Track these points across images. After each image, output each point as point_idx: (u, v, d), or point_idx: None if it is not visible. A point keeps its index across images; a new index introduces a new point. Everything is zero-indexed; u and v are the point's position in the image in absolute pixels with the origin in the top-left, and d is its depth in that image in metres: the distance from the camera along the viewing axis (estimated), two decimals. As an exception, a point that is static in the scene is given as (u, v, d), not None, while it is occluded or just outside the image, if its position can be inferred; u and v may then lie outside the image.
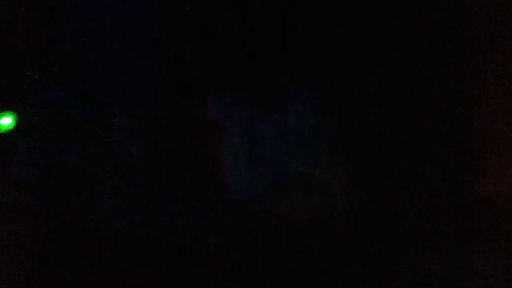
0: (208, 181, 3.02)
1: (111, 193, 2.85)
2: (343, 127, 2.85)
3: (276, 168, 2.82)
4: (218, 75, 2.85)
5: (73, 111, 2.87)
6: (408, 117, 2.91)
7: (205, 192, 3.00)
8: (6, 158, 2.85)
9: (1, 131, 2.82)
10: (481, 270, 2.77)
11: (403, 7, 2.92)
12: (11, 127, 2.82)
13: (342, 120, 2.85)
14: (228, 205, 2.88)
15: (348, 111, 2.87)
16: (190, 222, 2.69)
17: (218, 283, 2.77)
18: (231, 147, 3.02)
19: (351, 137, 2.84)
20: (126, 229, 2.73)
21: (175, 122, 2.98)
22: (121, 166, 2.89)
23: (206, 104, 2.87)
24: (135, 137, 2.90)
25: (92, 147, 2.86)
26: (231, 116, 2.83)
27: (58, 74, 2.91)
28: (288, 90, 2.84)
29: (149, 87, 2.98)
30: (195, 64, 2.91)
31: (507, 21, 2.91)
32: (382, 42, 2.91)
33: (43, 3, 2.96)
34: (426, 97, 2.91)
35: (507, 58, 2.88)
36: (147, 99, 2.98)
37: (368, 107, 2.88)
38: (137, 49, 2.98)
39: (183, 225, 2.70)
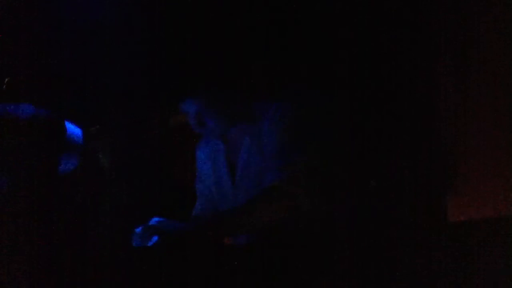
0: (185, 194, 2.92)
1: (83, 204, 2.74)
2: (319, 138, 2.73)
3: (254, 181, 2.69)
4: (192, 81, 2.73)
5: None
6: (388, 132, 2.83)
7: (183, 207, 2.90)
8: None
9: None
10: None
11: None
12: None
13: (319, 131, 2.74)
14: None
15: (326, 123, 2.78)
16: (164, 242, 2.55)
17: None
18: (208, 157, 2.91)
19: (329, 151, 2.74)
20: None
21: (150, 130, 2.88)
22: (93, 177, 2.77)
23: (180, 110, 2.74)
24: (108, 148, 2.78)
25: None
26: (205, 123, 2.69)
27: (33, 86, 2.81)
28: (264, 100, 2.73)
29: (122, 95, 2.89)
30: (168, 70, 2.79)
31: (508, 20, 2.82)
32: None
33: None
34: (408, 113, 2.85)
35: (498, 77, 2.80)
36: (121, 107, 2.88)
37: (349, 122, 2.80)
38: (108, 57, 2.88)
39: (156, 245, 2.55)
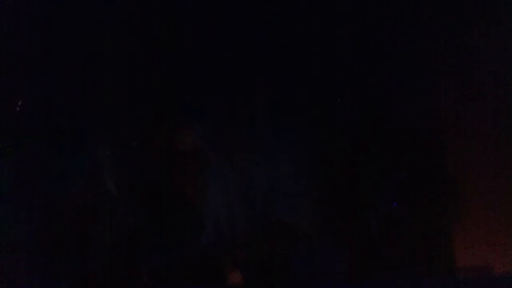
0: (191, 220, 2.91)
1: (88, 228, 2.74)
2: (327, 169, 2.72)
3: (263, 211, 2.69)
4: (204, 101, 2.72)
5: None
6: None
7: (189, 232, 2.89)
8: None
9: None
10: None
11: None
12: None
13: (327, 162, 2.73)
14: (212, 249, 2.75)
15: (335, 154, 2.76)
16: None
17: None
18: (215, 181, 2.89)
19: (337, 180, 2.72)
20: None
21: (159, 151, 2.86)
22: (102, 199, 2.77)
23: (191, 131, 2.72)
24: (116, 169, 2.78)
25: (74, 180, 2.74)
26: (216, 147, 2.68)
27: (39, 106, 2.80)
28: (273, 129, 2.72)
29: (132, 114, 2.86)
30: (181, 89, 2.78)
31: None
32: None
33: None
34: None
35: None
36: (130, 127, 2.86)
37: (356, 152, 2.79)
38: (118, 75, 2.86)
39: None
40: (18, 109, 2.72)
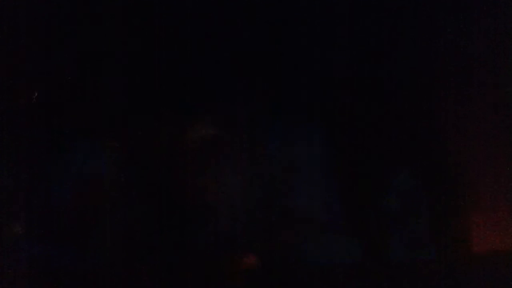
0: (202, 211, 2.90)
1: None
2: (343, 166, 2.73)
3: (278, 201, 2.70)
4: (218, 89, 2.72)
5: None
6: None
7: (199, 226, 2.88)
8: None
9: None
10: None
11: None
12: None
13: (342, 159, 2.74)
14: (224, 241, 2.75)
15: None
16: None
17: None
18: (230, 171, 2.89)
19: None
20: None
21: (169, 140, 2.85)
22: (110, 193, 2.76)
23: (204, 120, 2.72)
24: (124, 161, 2.76)
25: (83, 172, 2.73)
26: (231, 135, 2.68)
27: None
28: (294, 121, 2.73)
29: (141, 101, 2.84)
30: (194, 76, 2.77)
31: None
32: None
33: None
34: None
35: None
36: (140, 115, 2.84)
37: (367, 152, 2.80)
38: (127, 65, 2.85)
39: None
40: (34, 100, 2.72)
